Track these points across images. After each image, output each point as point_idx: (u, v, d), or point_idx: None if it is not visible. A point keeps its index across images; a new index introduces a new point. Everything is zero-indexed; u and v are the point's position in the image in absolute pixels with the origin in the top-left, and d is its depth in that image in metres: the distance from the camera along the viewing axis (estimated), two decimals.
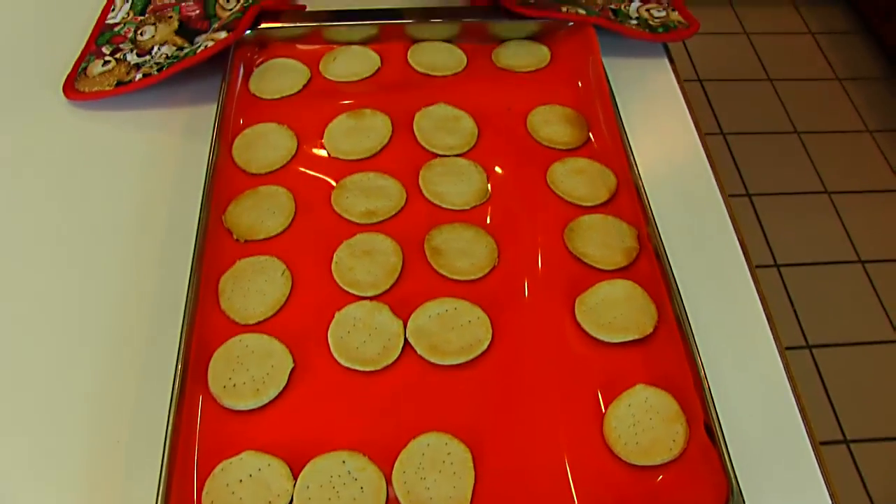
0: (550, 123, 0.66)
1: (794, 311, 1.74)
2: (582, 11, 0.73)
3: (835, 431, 1.59)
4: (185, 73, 0.69)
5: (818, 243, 1.84)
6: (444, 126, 0.66)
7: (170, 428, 0.48)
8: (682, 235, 0.61)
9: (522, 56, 0.72)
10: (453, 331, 0.53)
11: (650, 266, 0.56)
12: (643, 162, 0.63)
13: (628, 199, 0.61)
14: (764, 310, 0.57)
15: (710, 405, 0.49)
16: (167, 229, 0.62)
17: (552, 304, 0.55)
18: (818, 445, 0.52)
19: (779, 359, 0.56)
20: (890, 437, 1.59)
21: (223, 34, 0.69)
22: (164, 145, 0.68)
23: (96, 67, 0.73)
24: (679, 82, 0.74)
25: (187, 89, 0.72)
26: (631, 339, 0.53)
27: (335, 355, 0.52)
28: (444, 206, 0.60)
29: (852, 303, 1.75)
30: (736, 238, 0.62)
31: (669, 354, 0.52)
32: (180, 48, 0.73)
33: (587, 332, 0.53)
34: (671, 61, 0.76)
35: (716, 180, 0.65)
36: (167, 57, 0.72)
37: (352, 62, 0.71)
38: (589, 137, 0.66)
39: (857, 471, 1.55)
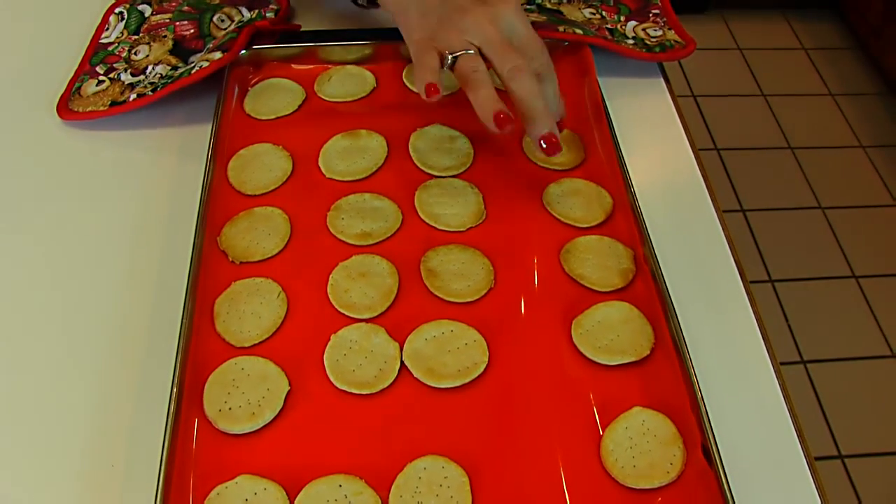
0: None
1: (789, 327, 1.75)
2: (579, 31, 0.74)
3: (829, 447, 1.60)
4: (179, 93, 0.69)
5: (812, 258, 1.85)
6: (439, 147, 0.66)
7: (165, 452, 0.47)
8: (677, 252, 0.61)
9: None
10: (450, 353, 0.53)
11: (646, 288, 0.56)
12: (638, 181, 0.63)
13: (624, 221, 0.61)
14: (759, 328, 0.57)
15: (708, 428, 0.48)
16: (162, 251, 0.61)
17: (549, 327, 0.55)
18: (814, 464, 0.52)
19: (774, 378, 0.56)
20: (884, 451, 1.59)
21: (218, 54, 0.69)
22: (159, 166, 0.68)
23: (90, 87, 0.73)
24: (674, 101, 0.74)
25: (182, 109, 0.72)
26: (628, 361, 0.53)
27: (331, 378, 0.52)
28: (439, 227, 0.60)
29: (846, 318, 1.76)
30: (731, 255, 0.62)
31: (666, 376, 0.52)
32: (175, 67, 0.73)
33: (584, 354, 0.53)
34: (666, 80, 0.77)
35: (710, 198, 0.65)
36: (161, 77, 0.72)
37: (347, 82, 0.71)
38: (584, 158, 0.66)
39: (852, 486, 1.55)
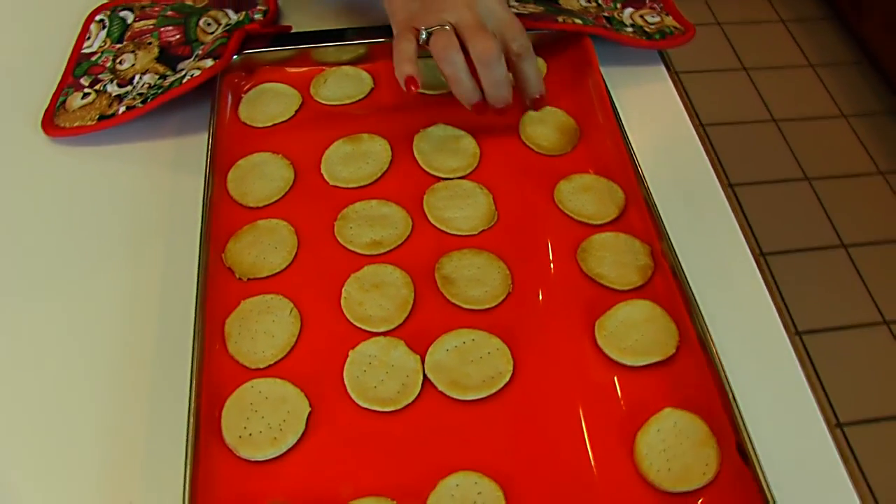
0: (547, 137, 0.65)
1: (782, 298, 1.75)
2: (578, 21, 0.72)
3: (828, 416, 1.61)
4: (170, 103, 0.67)
5: (801, 230, 1.85)
6: (444, 147, 0.64)
7: (187, 484, 0.45)
8: (692, 242, 0.60)
9: None
10: (472, 363, 0.51)
11: (666, 283, 0.55)
12: (648, 172, 0.61)
13: (638, 215, 0.59)
14: (776, 305, 0.57)
15: (741, 426, 0.47)
16: (164, 270, 0.59)
17: (571, 329, 0.53)
18: (846, 455, 0.52)
19: (799, 368, 0.55)
20: (881, 417, 1.60)
21: (209, 62, 0.66)
22: (154, 180, 0.65)
23: (76, 101, 0.70)
24: (677, 87, 0.73)
25: (173, 119, 0.69)
26: (654, 361, 0.51)
27: (353, 396, 0.51)
28: (451, 232, 0.59)
29: (838, 287, 1.76)
30: (744, 242, 0.61)
31: (694, 374, 0.51)
32: (163, 76, 0.71)
33: (609, 356, 0.52)
34: (667, 66, 0.75)
35: (719, 183, 0.65)
36: (150, 86, 0.70)
37: (343, 84, 0.69)
38: (592, 151, 0.65)
39: (851, 452, 1.57)
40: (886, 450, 1.53)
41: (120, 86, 0.71)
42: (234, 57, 0.68)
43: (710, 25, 2.21)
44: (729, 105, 2.05)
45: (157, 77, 0.71)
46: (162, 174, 0.66)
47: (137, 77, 0.71)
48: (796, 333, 1.69)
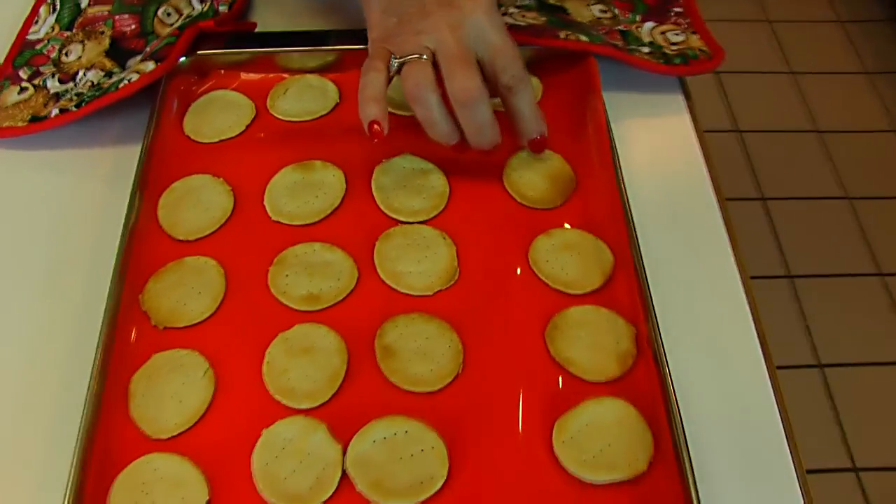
0: (531, 182, 0.55)
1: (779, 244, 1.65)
2: (584, 38, 0.62)
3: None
4: (113, 106, 0.59)
5: (836, 254, 1.73)
6: (408, 183, 0.55)
7: None
8: (686, 322, 0.51)
9: None
10: (402, 462, 0.43)
11: (648, 378, 0.46)
12: (647, 232, 0.52)
13: (626, 286, 0.50)
14: (785, 429, 0.47)
15: None
16: (77, 305, 0.52)
17: (526, 429, 0.45)
18: None
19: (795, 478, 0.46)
20: (862, 362, 1.52)
21: (150, 65, 0.58)
22: (84, 196, 0.58)
23: (11, 95, 0.62)
24: (697, 128, 0.63)
25: (115, 125, 0.61)
26: (620, 479, 0.43)
27: (259, 487, 0.43)
28: (401, 290, 0.50)
29: (872, 320, 1.65)
30: (755, 330, 0.51)
31: (665, 497, 0.42)
32: (109, 73, 0.63)
33: (566, 468, 0.43)
34: (687, 97, 0.65)
35: (735, 262, 0.54)
36: (92, 85, 0.62)
37: (305, 96, 0.61)
38: (580, 200, 0.55)
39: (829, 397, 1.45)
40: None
41: (61, 81, 0.63)
42: (182, 59, 0.60)
43: (759, 22, 2.06)
44: (770, 111, 1.91)
45: (101, 75, 0.63)
46: (94, 190, 0.58)
47: (81, 73, 0.63)
48: (788, 276, 1.58)
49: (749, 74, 1.97)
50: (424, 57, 0.50)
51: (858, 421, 1.51)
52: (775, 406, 0.48)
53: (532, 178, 0.55)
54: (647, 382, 0.46)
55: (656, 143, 0.62)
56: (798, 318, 1.65)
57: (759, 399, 0.48)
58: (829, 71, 2.01)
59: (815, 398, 1.54)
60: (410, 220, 0.53)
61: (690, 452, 0.42)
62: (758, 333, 0.52)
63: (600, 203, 0.54)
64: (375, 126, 0.49)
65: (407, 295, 0.50)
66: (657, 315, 0.48)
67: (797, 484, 0.45)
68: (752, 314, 0.52)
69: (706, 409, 0.47)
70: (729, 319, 0.52)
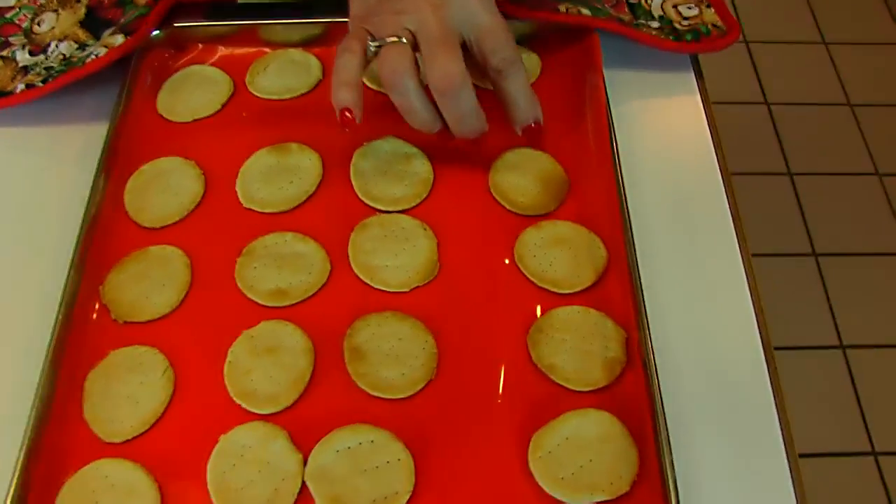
0: (520, 187, 0.51)
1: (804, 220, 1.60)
2: (586, 11, 0.57)
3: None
4: (85, 80, 0.56)
5: (864, 231, 1.67)
6: (390, 169, 0.51)
7: None
8: (684, 331, 0.47)
9: None
10: (365, 475, 0.40)
11: (636, 389, 0.42)
12: (645, 226, 0.48)
13: (619, 286, 0.46)
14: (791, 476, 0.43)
15: None
16: (36, 293, 0.49)
17: (499, 443, 0.42)
18: None
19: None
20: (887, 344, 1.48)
21: (119, 39, 0.55)
22: (49, 176, 0.55)
23: None
24: (707, 110, 0.58)
25: (86, 101, 0.58)
26: (600, 500, 0.39)
27: (213, 499, 0.40)
28: (375, 286, 0.47)
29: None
30: (766, 368, 0.47)
31: None
32: (82, 46, 0.59)
33: (541, 486, 0.40)
34: (699, 76, 0.60)
35: (747, 278, 0.50)
36: (63, 59, 0.58)
37: (286, 73, 0.57)
38: (572, 191, 0.51)
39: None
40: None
41: (32, 53, 0.60)
42: (156, 32, 0.56)
43: None
44: (800, 83, 1.83)
45: (74, 47, 0.59)
46: (62, 171, 0.55)
47: (53, 45, 0.60)
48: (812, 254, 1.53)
49: (780, 45, 1.89)
50: (404, 40, 0.46)
51: (879, 405, 1.47)
52: (777, 423, 0.44)
53: (520, 183, 0.51)
54: (635, 394, 0.42)
55: (663, 127, 0.57)
56: (821, 298, 1.60)
57: (757, 412, 0.44)
58: (864, 42, 1.92)
59: (836, 380, 1.49)
60: (389, 208, 0.50)
61: (676, 469, 0.39)
62: (762, 339, 0.48)
63: (596, 195, 0.50)
64: (347, 114, 0.46)
65: (381, 291, 0.47)
66: (648, 317, 0.44)
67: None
68: (757, 318, 0.48)
69: (698, 419, 0.43)
70: (731, 321, 0.48)
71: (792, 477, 0.42)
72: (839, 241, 1.64)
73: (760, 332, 0.48)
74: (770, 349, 0.47)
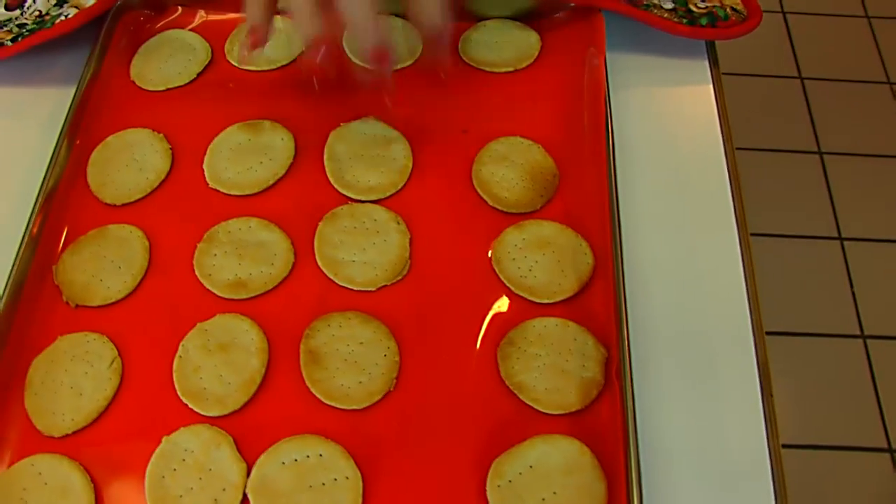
0: (506, 180, 0.47)
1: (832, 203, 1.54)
2: None
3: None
4: (58, 42, 0.53)
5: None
6: (366, 153, 0.48)
7: None
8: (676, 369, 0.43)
9: (500, 47, 0.53)
10: (310, 491, 0.38)
11: (612, 416, 0.39)
12: (638, 237, 0.45)
13: (602, 298, 0.43)
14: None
15: None
16: None
17: (458, 465, 0.39)
18: None
19: None
20: None
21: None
22: (16, 140, 0.52)
23: None
24: (720, 101, 0.53)
25: (60, 62, 0.55)
26: None
27: None
28: (339, 282, 0.44)
29: None
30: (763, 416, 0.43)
31: None
32: (60, 2, 0.56)
33: None
34: (714, 64, 0.55)
35: (750, 311, 0.46)
36: (39, 16, 0.55)
37: (269, 43, 0.53)
38: (560, 188, 0.47)
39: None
40: None
41: (8, 8, 0.57)
42: None
43: None
44: (838, 58, 1.75)
45: (51, 4, 0.56)
46: (27, 136, 0.52)
47: (30, 0, 0.56)
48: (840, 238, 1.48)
49: (820, 17, 1.80)
50: None
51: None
52: (768, 462, 0.40)
53: (507, 175, 0.47)
54: (610, 421, 0.39)
55: (668, 119, 0.53)
56: (844, 284, 1.54)
57: (748, 456, 0.41)
58: None
59: (854, 371, 1.45)
60: (362, 198, 0.46)
61: None
62: (758, 359, 0.44)
63: (587, 193, 0.46)
64: (255, 35, 0.42)
65: (345, 289, 0.44)
66: (629, 331, 0.40)
67: None
68: (755, 333, 0.44)
69: (676, 454, 0.40)
70: (728, 327, 0.44)
71: None
72: (867, 226, 1.58)
73: (756, 351, 0.44)
74: (766, 363, 0.43)
